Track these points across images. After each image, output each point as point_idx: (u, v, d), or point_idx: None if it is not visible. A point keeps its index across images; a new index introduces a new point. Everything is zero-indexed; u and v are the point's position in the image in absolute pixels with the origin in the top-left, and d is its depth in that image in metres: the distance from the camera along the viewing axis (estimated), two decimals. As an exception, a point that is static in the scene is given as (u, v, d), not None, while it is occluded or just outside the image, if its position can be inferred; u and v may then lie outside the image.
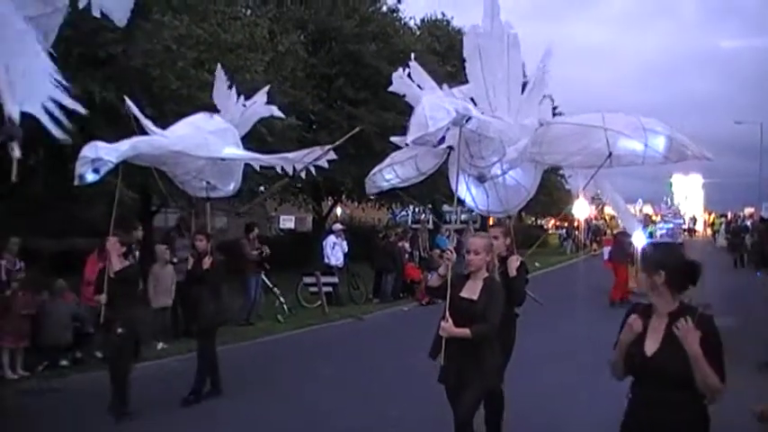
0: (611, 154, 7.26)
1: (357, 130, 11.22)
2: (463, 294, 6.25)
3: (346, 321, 17.60)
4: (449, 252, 6.65)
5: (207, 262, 9.80)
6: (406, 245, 22.96)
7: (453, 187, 8.22)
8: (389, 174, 8.90)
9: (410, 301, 20.86)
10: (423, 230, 27.57)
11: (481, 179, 8.10)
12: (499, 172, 8.05)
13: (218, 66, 10.25)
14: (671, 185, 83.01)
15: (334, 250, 20.18)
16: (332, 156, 10.18)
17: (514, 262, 7.52)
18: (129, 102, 8.79)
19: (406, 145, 8.09)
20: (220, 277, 10.24)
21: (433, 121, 6.60)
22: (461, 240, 26.61)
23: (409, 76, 8.17)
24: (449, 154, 7.99)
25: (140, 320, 9.49)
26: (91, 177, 7.40)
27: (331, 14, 24.78)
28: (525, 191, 8.61)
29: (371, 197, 25.36)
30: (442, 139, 7.06)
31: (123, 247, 8.94)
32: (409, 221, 38.01)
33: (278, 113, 10.66)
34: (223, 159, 9.42)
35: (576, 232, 45.59)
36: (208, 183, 9.79)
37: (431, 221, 35.25)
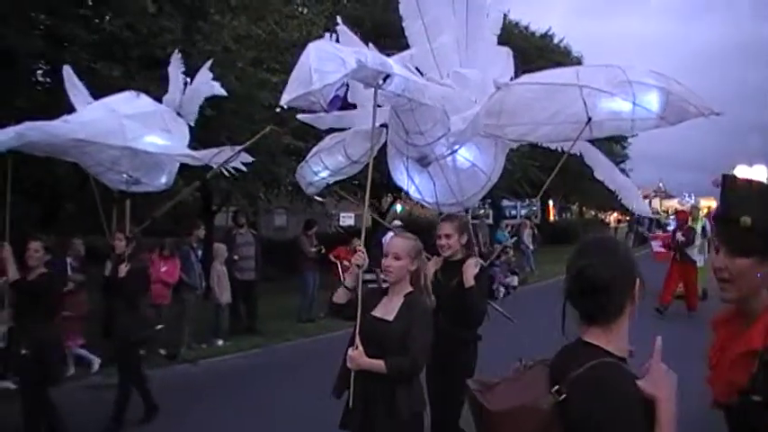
0: (590, 119, 5.66)
1: (267, 129, 9.26)
2: (376, 313, 4.79)
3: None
4: (359, 252, 5.02)
5: (123, 269, 8.35)
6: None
7: (393, 176, 7.08)
8: (317, 165, 7.37)
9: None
10: (482, 225, 27.39)
11: (423, 161, 6.47)
12: (446, 151, 6.38)
13: (176, 51, 9.07)
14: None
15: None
16: (247, 158, 8.65)
17: (471, 268, 5.90)
18: (68, 70, 8.23)
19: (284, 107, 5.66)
20: (138, 287, 8.72)
21: (320, 74, 4.65)
22: (520, 237, 26.49)
23: (338, 41, 6.66)
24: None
25: (54, 340, 7.59)
26: None
27: (387, 11, 24.78)
28: (484, 175, 6.93)
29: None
30: (337, 101, 5.03)
31: (48, 254, 7.45)
32: (469, 216, 37.87)
33: (220, 91, 8.88)
34: (147, 152, 7.96)
35: (638, 226, 44.95)
36: (129, 176, 8.21)
37: (491, 216, 35.07)
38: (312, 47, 4.82)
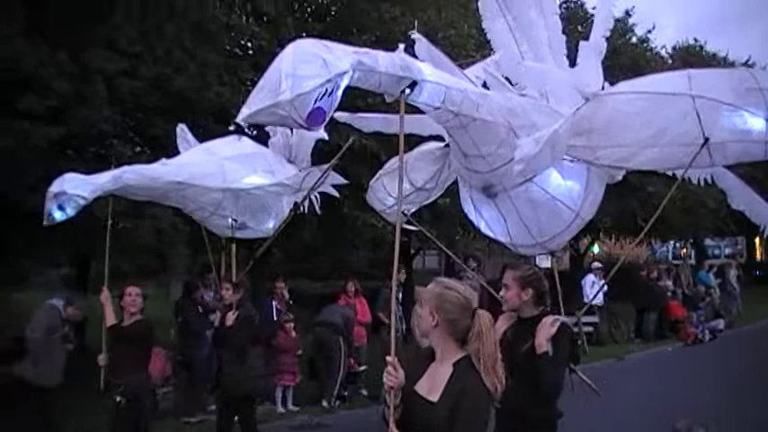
0: (707, 140, 4.34)
1: (351, 140, 7.87)
2: (420, 389, 3.54)
3: (607, 361, 17.17)
4: (391, 374, 3.54)
5: (230, 317, 8.05)
6: (669, 282, 22.07)
7: (463, 207, 5.95)
8: (380, 192, 6.24)
9: (675, 340, 19.98)
10: (685, 266, 26.41)
11: (488, 192, 5.24)
12: (517, 179, 4.87)
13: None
14: None
15: (594, 289, 19.82)
16: (340, 180, 7.68)
17: (545, 329, 4.54)
18: (182, 127, 7.98)
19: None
20: (245, 337, 8.24)
21: (293, 80, 3.54)
22: (726, 278, 25.26)
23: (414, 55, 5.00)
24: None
25: (147, 388, 7.45)
26: (59, 215, 6.16)
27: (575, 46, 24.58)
28: (569, 211, 5.39)
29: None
30: (320, 115, 3.70)
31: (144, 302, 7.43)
32: (670, 257, 36.61)
33: (322, 135, 7.35)
34: (245, 191, 7.37)
35: None
36: (234, 220, 7.75)
37: (692, 256, 33.78)
38: (291, 46, 3.78)
